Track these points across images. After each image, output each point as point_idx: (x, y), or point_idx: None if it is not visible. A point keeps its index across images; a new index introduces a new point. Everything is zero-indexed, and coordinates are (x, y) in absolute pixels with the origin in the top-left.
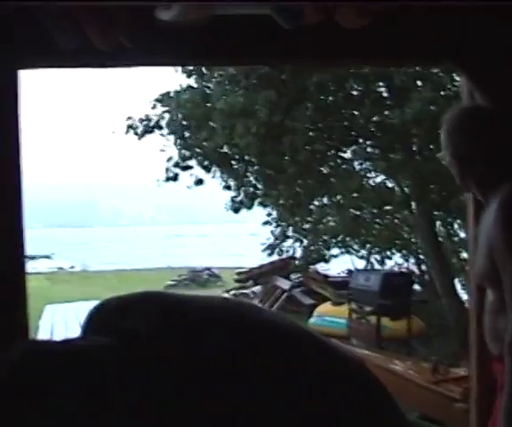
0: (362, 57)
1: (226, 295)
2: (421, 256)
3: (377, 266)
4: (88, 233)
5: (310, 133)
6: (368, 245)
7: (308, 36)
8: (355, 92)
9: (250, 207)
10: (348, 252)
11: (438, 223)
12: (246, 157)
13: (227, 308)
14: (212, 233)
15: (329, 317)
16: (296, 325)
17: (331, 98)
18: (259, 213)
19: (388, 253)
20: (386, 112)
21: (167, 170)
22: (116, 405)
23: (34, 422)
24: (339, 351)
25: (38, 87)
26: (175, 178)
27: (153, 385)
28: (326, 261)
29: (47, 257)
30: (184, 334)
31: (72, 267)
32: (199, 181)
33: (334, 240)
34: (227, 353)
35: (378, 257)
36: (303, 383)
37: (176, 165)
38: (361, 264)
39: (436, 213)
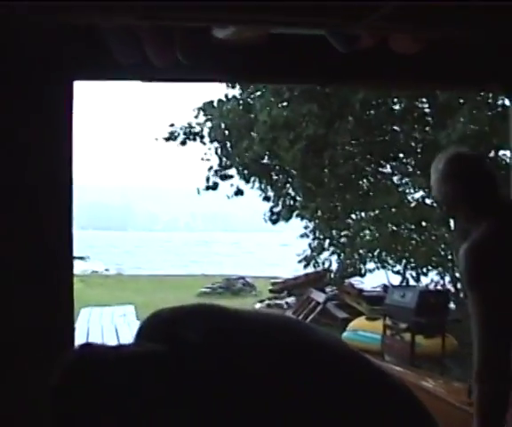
0: (413, 81)
1: (259, 305)
2: (457, 274)
3: (412, 282)
4: (123, 236)
5: (351, 148)
6: (404, 261)
7: (362, 58)
8: (397, 108)
9: (288, 219)
10: (384, 267)
11: None
12: (287, 169)
13: (278, 323)
14: (246, 241)
15: (362, 331)
16: (351, 348)
17: (373, 113)
18: (293, 223)
19: (424, 269)
20: (427, 129)
21: (207, 179)
22: (166, 405)
23: (91, 424)
24: (391, 377)
25: (86, 93)
26: (215, 187)
27: (199, 390)
28: (361, 275)
29: (82, 259)
30: (233, 349)
31: (106, 270)
32: (239, 192)
33: (370, 254)
34: (280, 371)
35: (413, 273)
36: (361, 410)
37: (216, 173)
38: (396, 280)
39: None
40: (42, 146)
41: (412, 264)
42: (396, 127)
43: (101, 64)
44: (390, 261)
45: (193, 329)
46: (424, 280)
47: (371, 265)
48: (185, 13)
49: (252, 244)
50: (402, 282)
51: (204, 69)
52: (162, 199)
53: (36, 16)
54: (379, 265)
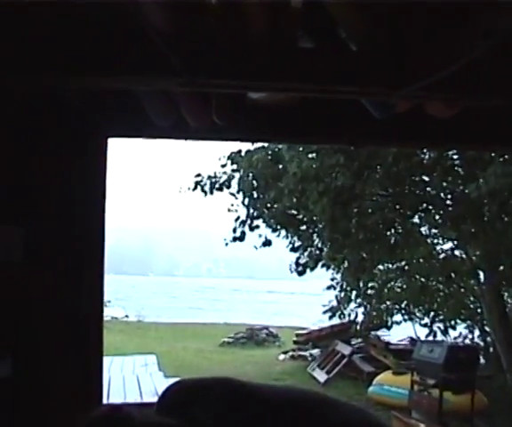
0: (445, 142)
1: (283, 356)
2: (487, 328)
3: (440, 335)
4: (144, 282)
5: (379, 198)
6: (432, 314)
7: (395, 121)
8: (426, 159)
9: (313, 268)
10: (411, 319)
11: (506, 295)
12: (314, 219)
13: (303, 402)
14: (271, 290)
15: (389, 386)
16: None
17: (402, 164)
18: (319, 273)
19: (453, 322)
20: (457, 181)
21: (234, 230)
22: None
23: None
24: None
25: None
26: (242, 238)
27: None
28: (388, 327)
29: None
30: None
31: (126, 316)
32: (267, 242)
33: (397, 306)
34: None
35: (441, 326)
36: None
37: (243, 223)
38: (423, 332)
39: (504, 285)
40: (75, 202)
41: (441, 317)
42: (425, 178)
43: (136, 122)
44: (418, 314)
45: (207, 410)
46: (452, 333)
47: (398, 317)
48: (223, 81)
49: (276, 292)
50: (429, 335)
51: (238, 129)
52: (184, 244)
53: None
54: (406, 317)
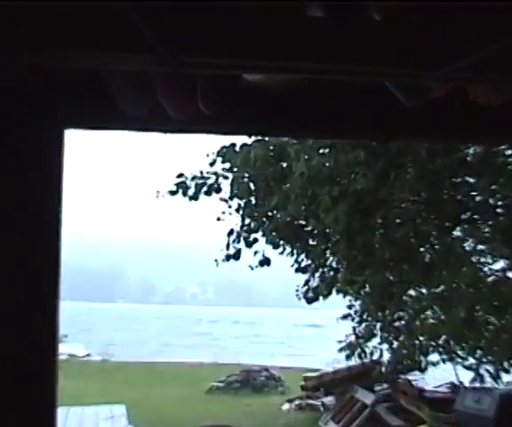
0: (492, 134)
1: (287, 406)
2: None
3: (489, 381)
4: (111, 310)
5: (411, 206)
6: (478, 353)
7: (429, 109)
8: (471, 156)
9: (327, 295)
10: (452, 359)
11: None
12: (327, 233)
13: None
14: (271, 320)
15: None
16: None
17: (439, 162)
18: (333, 300)
19: (505, 364)
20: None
21: (228, 246)
22: None
23: None
24: None
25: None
26: (237, 256)
27: None
28: (422, 369)
29: None
30: None
31: (87, 355)
32: (265, 262)
33: (434, 343)
34: None
35: (490, 369)
36: None
37: (238, 237)
38: (467, 376)
39: None
40: (24, 209)
41: (490, 357)
42: (469, 179)
43: (101, 111)
44: (460, 353)
45: None
46: (505, 378)
47: (434, 357)
48: (210, 59)
49: (277, 324)
50: (475, 380)
51: (229, 120)
52: (162, 262)
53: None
54: (445, 357)
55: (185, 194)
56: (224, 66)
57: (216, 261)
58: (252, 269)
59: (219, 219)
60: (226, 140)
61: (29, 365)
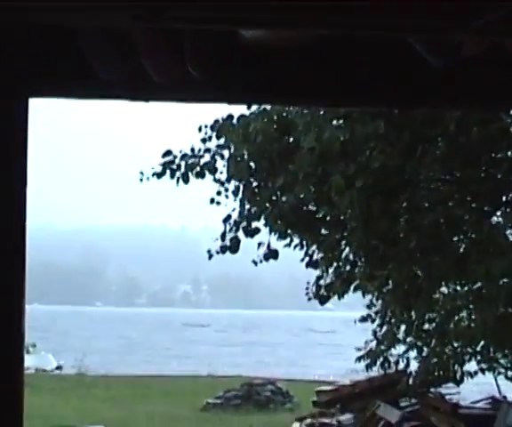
0: None
1: (297, 425)
2: None
3: None
4: (88, 314)
5: (441, 187)
6: None
7: (461, 71)
8: None
9: (343, 294)
10: (493, 369)
11: None
12: (343, 220)
13: None
14: (276, 324)
15: None
16: None
17: (476, 134)
18: (348, 298)
19: None
20: None
21: (223, 236)
22: None
23: None
24: None
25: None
26: (235, 248)
27: None
28: (457, 381)
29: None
30: None
31: (58, 368)
32: (272, 254)
33: (470, 350)
34: None
35: None
36: None
37: (236, 225)
38: (511, 389)
39: None
40: None
41: None
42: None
43: (71, 76)
44: (502, 361)
45: None
46: None
47: (471, 366)
48: (201, 12)
49: (284, 328)
50: None
51: (223, 86)
52: (148, 256)
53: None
54: (484, 366)
55: (173, 176)
56: (217, 20)
57: (209, 252)
58: (256, 264)
59: (212, 201)
60: (221, 111)
61: None
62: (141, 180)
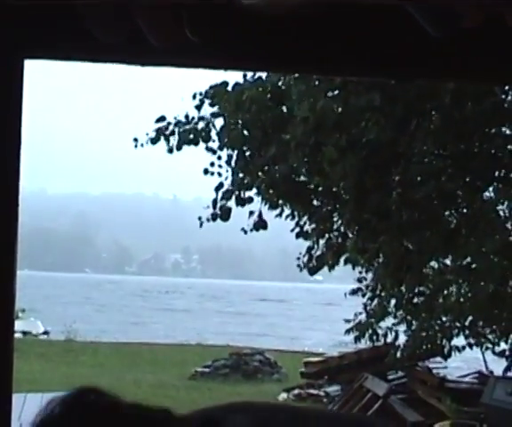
0: None
1: (285, 396)
2: None
3: None
4: (77, 282)
5: (435, 161)
6: None
7: (459, 41)
8: (508, 102)
9: (333, 266)
10: (480, 344)
11: None
12: (335, 191)
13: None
14: (265, 296)
15: None
16: None
17: (470, 108)
18: (338, 271)
19: None
20: None
21: (214, 203)
22: None
23: None
24: None
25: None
26: (226, 216)
27: None
28: (445, 355)
29: None
30: None
31: (46, 333)
32: (261, 224)
33: (459, 324)
34: None
35: None
36: None
37: (227, 193)
38: (499, 364)
39: None
40: None
41: None
42: (505, 130)
43: (68, 38)
44: (490, 336)
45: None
46: None
47: (460, 340)
48: None
49: (273, 300)
50: (508, 370)
51: (221, 51)
52: (139, 225)
53: None
54: (472, 341)
55: (168, 142)
56: None
57: (200, 219)
58: (246, 233)
59: (206, 171)
60: (217, 78)
61: None
62: (136, 146)
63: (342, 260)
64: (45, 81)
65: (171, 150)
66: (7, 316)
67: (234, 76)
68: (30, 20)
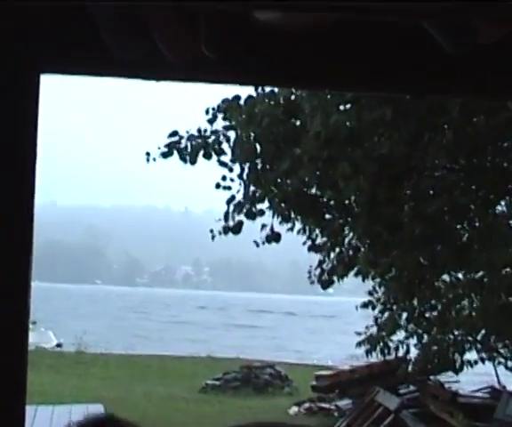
0: None
1: (295, 409)
2: None
3: None
4: (87, 293)
5: (447, 175)
6: None
7: (476, 57)
8: None
9: (342, 276)
10: (493, 358)
11: None
12: (347, 205)
13: None
14: (276, 308)
15: None
16: None
17: (482, 123)
18: (349, 284)
19: None
20: None
21: (226, 216)
22: None
23: None
24: None
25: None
26: (238, 229)
27: None
28: (456, 370)
29: None
30: None
31: (58, 345)
32: (274, 237)
33: (471, 338)
34: None
35: None
36: None
37: (239, 206)
38: (511, 379)
39: None
40: None
41: None
42: None
43: (84, 53)
44: (502, 351)
45: None
46: None
47: (472, 355)
48: None
49: (286, 313)
50: None
51: (237, 67)
52: (150, 237)
53: None
54: (484, 355)
55: (181, 157)
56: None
57: (212, 232)
58: (258, 245)
59: (218, 186)
60: (229, 91)
61: None
62: (148, 160)
63: (353, 272)
64: (56, 93)
65: (184, 163)
66: (22, 330)
67: (246, 89)
68: (46, 34)
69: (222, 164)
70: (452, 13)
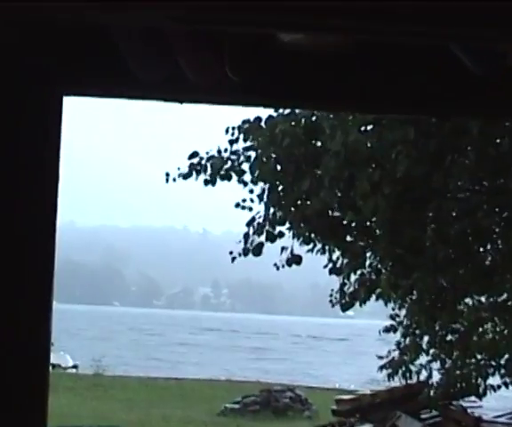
0: None
1: None
2: None
3: None
4: (104, 315)
5: (470, 197)
6: None
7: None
8: None
9: (364, 300)
10: None
11: None
12: (368, 226)
13: None
14: (296, 331)
15: None
16: None
17: (506, 142)
18: (370, 308)
19: None
20: None
21: (246, 238)
22: None
23: None
24: None
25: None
26: (259, 251)
27: None
28: (480, 394)
29: None
30: None
31: (75, 367)
32: (295, 259)
33: (494, 363)
34: None
35: None
36: None
37: (259, 228)
38: None
39: None
40: (16, 187)
41: None
42: None
43: (108, 76)
44: None
45: None
46: None
47: (495, 379)
48: (240, 15)
49: (304, 335)
50: None
51: (261, 88)
52: (168, 258)
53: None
54: (507, 380)
55: (200, 176)
56: (256, 22)
57: (231, 253)
58: (278, 268)
59: (238, 205)
60: (249, 114)
61: (17, 378)
62: (167, 181)
63: (374, 296)
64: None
65: (205, 185)
66: (44, 350)
67: (266, 110)
68: (69, 57)
69: (242, 182)
70: (478, 38)
